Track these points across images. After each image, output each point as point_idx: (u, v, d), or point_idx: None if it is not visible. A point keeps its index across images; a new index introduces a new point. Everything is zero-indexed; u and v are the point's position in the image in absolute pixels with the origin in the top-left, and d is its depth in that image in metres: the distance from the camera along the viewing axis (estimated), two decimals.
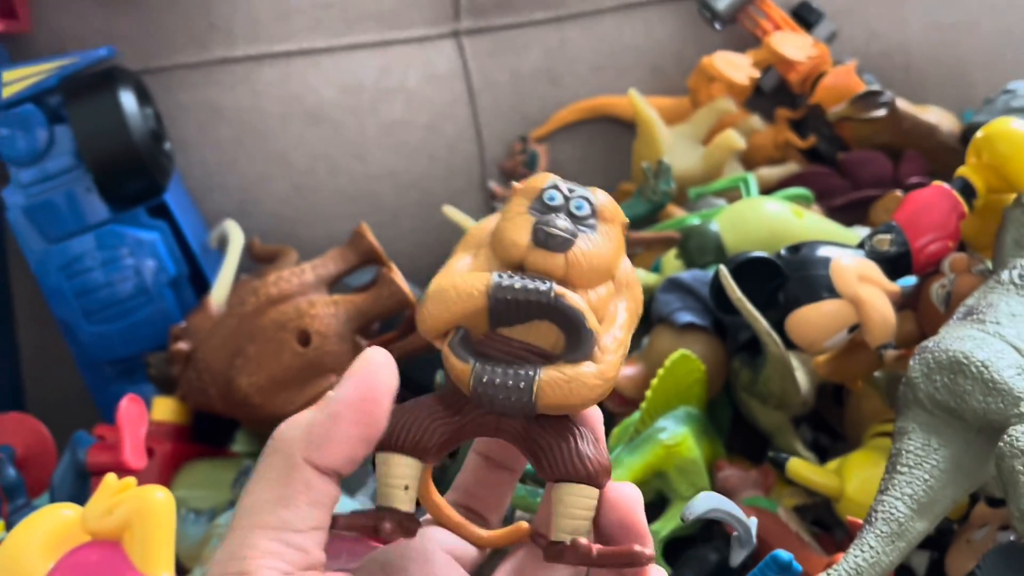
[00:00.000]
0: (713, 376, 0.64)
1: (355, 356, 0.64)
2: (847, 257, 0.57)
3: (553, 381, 0.32)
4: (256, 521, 0.32)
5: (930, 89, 0.89)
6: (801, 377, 0.62)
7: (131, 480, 0.53)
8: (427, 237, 0.87)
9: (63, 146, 0.74)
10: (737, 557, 0.50)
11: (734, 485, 0.59)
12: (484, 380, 0.32)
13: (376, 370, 0.33)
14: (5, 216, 0.77)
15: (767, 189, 0.80)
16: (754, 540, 0.50)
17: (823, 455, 0.67)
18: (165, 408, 0.72)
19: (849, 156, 0.78)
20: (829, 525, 0.63)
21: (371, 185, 0.87)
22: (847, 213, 0.77)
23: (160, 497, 0.51)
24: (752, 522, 0.50)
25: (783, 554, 0.48)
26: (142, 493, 0.51)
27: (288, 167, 0.85)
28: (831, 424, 0.71)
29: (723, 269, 0.57)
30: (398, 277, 0.66)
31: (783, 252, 0.58)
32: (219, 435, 0.76)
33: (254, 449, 0.72)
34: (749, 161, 0.84)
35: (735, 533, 0.50)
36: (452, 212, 0.75)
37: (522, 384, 0.32)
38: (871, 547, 0.45)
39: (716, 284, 0.57)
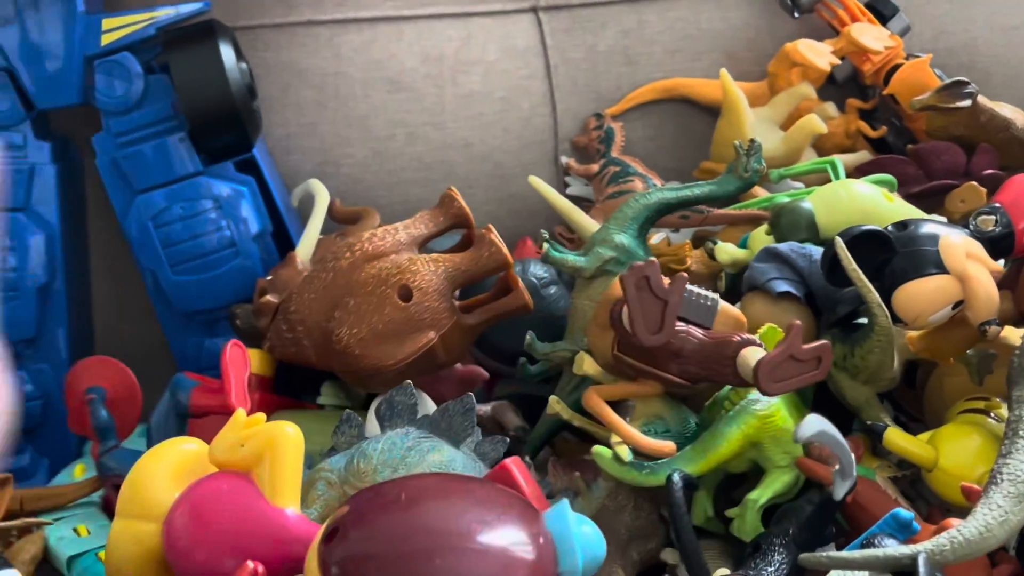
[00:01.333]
0: None
1: (453, 314, 0.66)
2: (955, 235, 0.58)
3: None
4: None
5: (993, 87, 0.91)
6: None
7: (261, 416, 0.54)
8: (499, 208, 0.88)
9: (158, 96, 0.75)
10: (840, 490, 0.52)
11: (828, 455, 0.60)
12: None
13: None
14: (94, 163, 0.77)
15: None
16: (855, 473, 0.51)
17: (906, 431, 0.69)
18: (253, 359, 0.73)
19: (923, 146, 0.80)
20: (912, 498, 0.65)
21: (447, 154, 0.88)
22: (921, 201, 0.79)
23: (291, 432, 0.53)
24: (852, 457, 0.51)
25: (904, 512, 0.50)
26: (274, 428, 0.53)
27: (367, 132, 0.86)
28: (903, 405, 0.73)
29: (839, 240, 0.58)
30: (497, 238, 0.67)
31: (890, 228, 0.60)
32: (296, 391, 0.76)
33: (340, 403, 0.73)
34: (820, 148, 0.86)
35: (836, 468, 0.52)
36: (538, 183, 0.77)
37: None
38: (999, 505, 0.47)
39: (830, 255, 0.59)
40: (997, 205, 0.60)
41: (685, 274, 0.56)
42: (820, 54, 0.82)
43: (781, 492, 0.59)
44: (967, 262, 0.57)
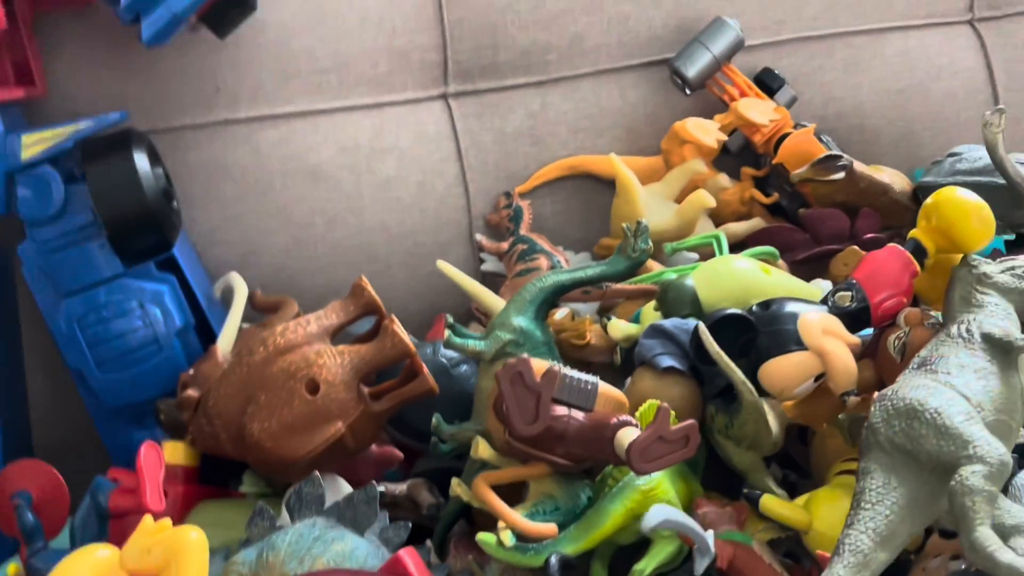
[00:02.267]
0: (689, 418, 0.69)
1: (360, 403, 0.70)
2: (813, 313, 0.63)
3: None
4: None
5: (882, 148, 0.97)
6: (772, 420, 0.68)
7: (167, 521, 0.57)
8: (418, 286, 0.92)
9: (78, 205, 0.79)
10: (700, 566, 0.56)
11: (712, 521, 0.64)
12: None
13: None
14: (21, 271, 0.81)
15: (734, 242, 0.86)
16: (711, 548, 0.55)
17: (792, 491, 0.73)
18: (176, 452, 0.76)
19: (810, 213, 0.85)
20: (799, 557, 0.68)
21: (366, 238, 0.92)
22: (808, 266, 0.84)
23: (195, 537, 0.56)
24: (708, 534, 0.55)
25: None
26: (178, 533, 0.56)
27: (288, 222, 0.90)
28: (798, 462, 0.77)
29: (701, 325, 0.63)
30: (398, 329, 0.71)
31: (754, 308, 0.64)
32: (224, 477, 0.80)
33: (262, 490, 0.76)
34: (717, 216, 0.91)
35: (695, 546, 0.56)
36: (446, 267, 0.81)
37: None
38: None
39: (696, 338, 0.63)
40: (853, 281, 0.65)
41: (556, 367, 0.60)
42: (707, 131, 0.87)
43: (665, 562, 0.63)
44: (824, 338, 0.62)
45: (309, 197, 0.91)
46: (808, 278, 0.79)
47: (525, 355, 0.62)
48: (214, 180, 0.89)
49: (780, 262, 0.82)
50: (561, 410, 0.61)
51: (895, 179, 0.86)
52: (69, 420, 0.87)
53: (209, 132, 0.89)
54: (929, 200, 0.65)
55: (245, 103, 0.90)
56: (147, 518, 0.56)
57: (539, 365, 0.62)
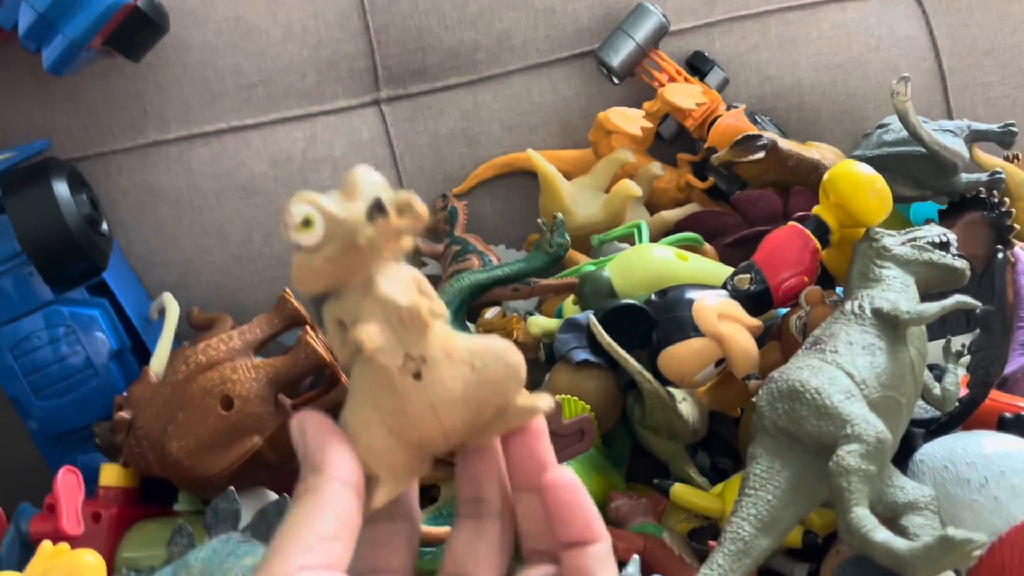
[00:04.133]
0: (608, 410, 0.69)
1: (277, 415, 0.70)
2: (710, 298, 0.62)
3: None
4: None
5: (824, 125, 0.95)
6: (687, 408, 0.67)
7: (64, 546, 0.58)
8: None
9: (7, 235, 0.80)
10: None
11: (625, 514, 0.64)
12: None
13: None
14: None
15: (670, 230, 0.85)
16: None
17: (722, 477, 0.72)
18: (112, 474, 0.77)
19: (740, 195, 0.84)
20: None
21: None
22: (743, 249, 0.82)
23: (90, 560, 0.57)
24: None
25: None
26: (74, 557, 0.57)
27: (225, 239, 0.91)
28: (736, 447, 0.76)
29: (592, 317, 0.62)
30: (313, 340, 0.71)
31: (653, 296, 0.63)
32: (169, 495, 0.80)
33: (196, 508, 0.77)
34: (655, 205, 0.89)
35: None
36: None
37: None
38: (720, 565, 0.50)
39: (590, 330, 0.62)
40: (752, 263, 0.63)
41: None
42: (631, 120, 0.86)
43: None
44: (720, 323, 0.61)
45: (245, 213, 0.91)
46: (740, 262, 0.77)
47: None
48: (148, 202, 0.90)
49: (707, 247, 0.81)
50: None
51: (827, 155, 0.84)
52: (12, 450, 0.88)
53: (139, 155, 0.90)
54: (825, 176, 0.63)
55: (174, 123, 0.90)
56: (45, 543, 0.57)
57: None
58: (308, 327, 0.73)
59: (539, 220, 0.74)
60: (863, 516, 0.48)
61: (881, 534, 0.47)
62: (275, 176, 0.92)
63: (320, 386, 0.74)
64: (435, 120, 0.94)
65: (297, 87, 0.93)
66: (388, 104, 0.95)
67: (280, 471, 0.74)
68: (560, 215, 0.76)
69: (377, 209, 0.34)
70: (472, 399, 0.36)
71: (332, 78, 0.93)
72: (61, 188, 0.79)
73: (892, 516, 0.52)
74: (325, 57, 0.93)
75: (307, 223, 0.33)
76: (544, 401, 0.37)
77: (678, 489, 0.62)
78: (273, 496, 0.73)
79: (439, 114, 0.94)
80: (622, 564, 0.58)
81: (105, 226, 0.84)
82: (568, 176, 0.88)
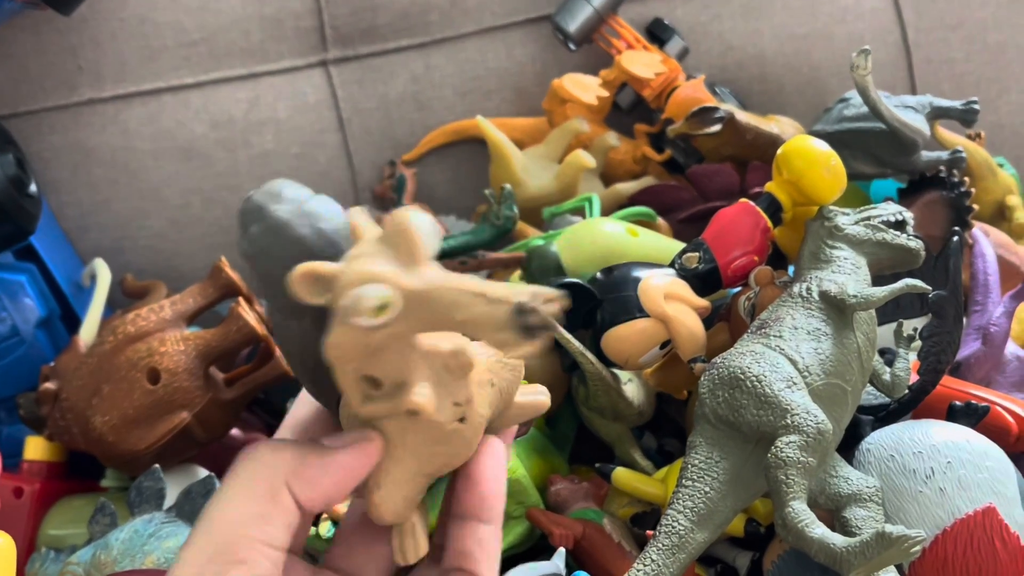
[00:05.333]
0: (553, 390, 0.65)
1: (207, 390, 0.67)
2: (656, 277, 0.59)
3: None
4: (242, 531, 0.33)
5: (786, 97, 0.93)
6: (633, 389, 0.65)
7: None
8: None
9: None
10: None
11: (564, 498, 0.62)
12: None
13: (375, 452, 0.35)
14: None
15: (624, 203, 0.83)
16: None
17: (669, 460, 0.70)
18: (36, 447, 0.74)
19: (696, 169, 0.81)
20: None
21: None
22: (696, 224, 0.80)
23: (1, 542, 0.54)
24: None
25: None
26: None
27: (162, 203, 0.87)
28: (685, 430, 0.74)
29: None
30: (246, 312, 0.68)
31: (599, 274, 0.61)
32: (97, 470, 0.77)
33: (123, 484, 0.74)
34: (611, 176, 0.87)
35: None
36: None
37: None
38: (652, 560, 0.48)
39: None
40: (701, 241, 0.61)
41: None
42: (586, 88, 0.83)
43: (515, 543, 0.60)
44: (666, 304, 0.58)
45: (183, 176, 0.88)
46: (694, 237, 0.75)
47: None
48: (82, 163, 0.86)
49: (661, 222, 0.78)
50: None
51: (787, 129, 0.82)
52: None
53: (73, 113, 0.86)
54: (779, 151, 0.61)
55: (110, 81, 0.86)
56: None
57: None
58: (242, 298, 0.70)
59: (487, 191, 0.71)
60: (800, 511, 0.46)
61: (818, 530, 0.45)
62: (216, 138, 0.88)
63: (255, 359, 0.71)
64: (384, 83, 0.91)
65: (240, 45, 0.89)
66: (335, 65, 0.91)
67: (209, 447, 0.72)
68: (508, 186, 0.73)
69: (524, 314, 0.31)
70: (493, 415, 0.37)
71: (277, 36, 0.89)
72: None
73: (835, 508, 0.50)
74: (270, 15, 0.89)
75: (382, 308, 0.31)
76: (545, 394, 0.38)
77: (620, 474, 0.60)
78: (203, 473, 0.70)
79: (389, 77, 0.91)
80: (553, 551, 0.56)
81: (34, 187, 0.80)
82: (521, 145, 0.85)
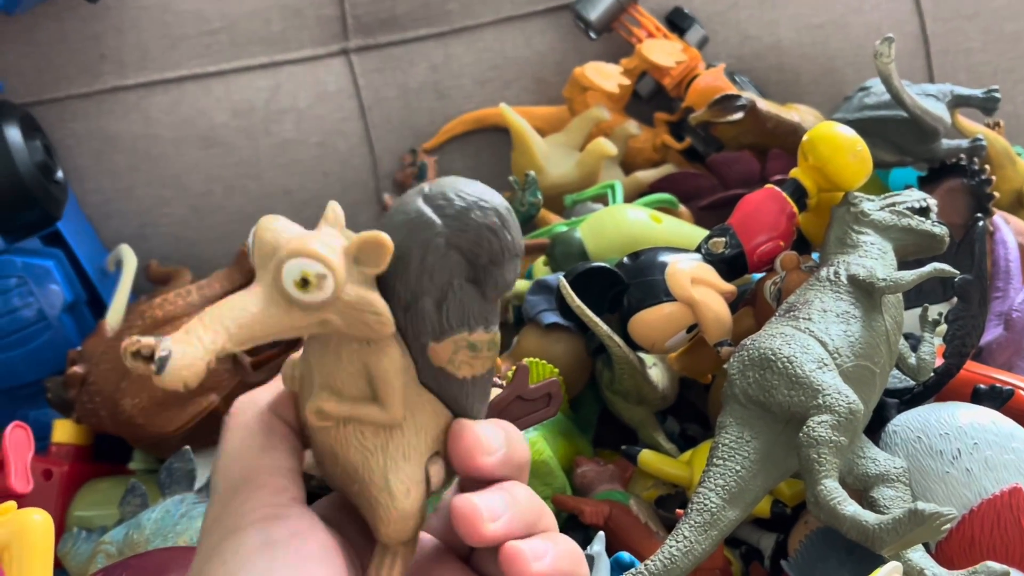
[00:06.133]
0: (577, 374, 0.67)
1: (235, 374, 0.67)
2: (683, 262, 0.60)
3: None
4: (254, 463, 0.35)
5: (803, 87, 0.93)
6: (657, 374, 0.65)
7: (11, 504, 0.55)
8: None
9: None
10: None
11: (591, 480, 0.62)
12: None
13: None
14: None
15: (644, 191, 0.83)
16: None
17: (691, 445, 0.71)
18: (64, 430, 0.75)
19: (716, 157, 0.82)
20: None
21: (267, 204, 0.89)
22: (717, 212, 0.80)
23: (37, 519, 0.54)
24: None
25: (625, 555, 0.52)
26: (20, 516, 0.54)
27: (184, 190, 0.88)
28: (707, 414, 0.74)
29: (562, 279, 0.60)
30: None
31: (625, 259, 0.61)
32: (123, 453, 0.78)
33: (151, 466, 0.75)
34: (630, 164, 0.87)
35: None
36: None
37: None
38: (685, 537, 0.49)
39: (559, 292, 0.60)
40: (727, 226, 0.62)
41: None
42: (607, 76, 0.83)
43: None
44: (693, 288, 0.59)
45: (205, 164, 0.88)
46: (714, 225, 0.76)
47: None
48: (104, 150, 0.87)
49: (682, 209, 0.79)
50: None
51: (806, 117, 0.82)
52: None
53: (96, 101, 0.86)
54: (805, 138, 0.61)
55: (132, 69, 0.87)
56: None
57: None
58: None
59: (511, 178, 0.71)
60: (832, 488, 0.47)
61: (850, 507, 0.46)
62: (237, 126, 0.89)
63: (281, 344, 0.72)
64: (404, 72, 0.91)
65: (261, 34, 0.89)
66: (356, 54, 0.92)
67: None
68: (532, 173, 0.73)
69: None
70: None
71: (298, 25, 0.90)
72: (13, 133, 0.75)
73: (863, 488, 0.51)
74: (291, 3, 0.89)
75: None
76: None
77: (645, 456, 0.61)
78: None
79: (409, 66, 0.91)
80: (588, 536, 0.57)
81: (60, 174, 0.81)
82: (542, 133, 0.86)
